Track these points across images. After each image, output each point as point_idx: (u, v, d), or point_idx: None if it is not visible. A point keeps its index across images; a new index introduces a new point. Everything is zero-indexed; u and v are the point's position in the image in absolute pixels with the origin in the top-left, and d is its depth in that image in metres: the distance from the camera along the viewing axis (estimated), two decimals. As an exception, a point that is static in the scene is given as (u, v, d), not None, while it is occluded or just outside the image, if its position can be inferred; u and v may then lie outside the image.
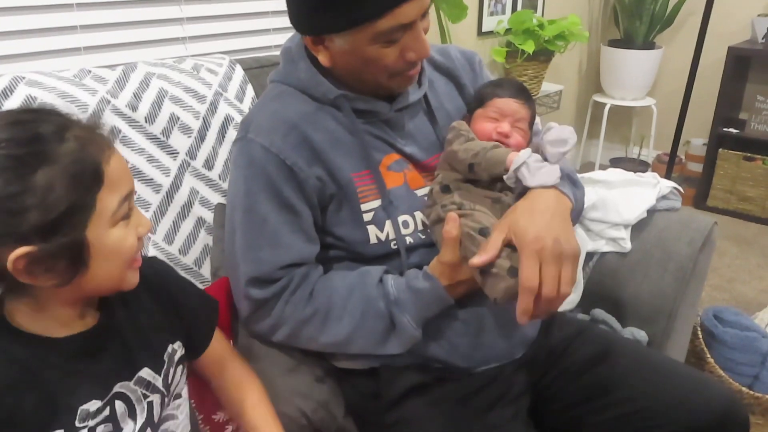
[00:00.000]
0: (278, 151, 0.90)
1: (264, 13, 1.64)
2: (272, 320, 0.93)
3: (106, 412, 0.68)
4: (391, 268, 0.97)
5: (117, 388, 0.69)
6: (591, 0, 3.26)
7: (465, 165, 0.92)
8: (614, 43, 3.16)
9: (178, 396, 0.79)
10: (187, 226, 1.08)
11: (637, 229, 1.25)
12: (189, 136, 1.10)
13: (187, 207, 1.08)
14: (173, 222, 1.06)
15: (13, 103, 0.93)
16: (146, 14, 1.42)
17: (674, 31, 3.12)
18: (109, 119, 1.01)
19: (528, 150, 0.90)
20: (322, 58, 0.91)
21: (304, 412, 0.95)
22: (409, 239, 0.97)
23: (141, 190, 1.02)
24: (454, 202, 0.93)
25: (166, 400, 0.76)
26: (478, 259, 0.83)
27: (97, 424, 0.66)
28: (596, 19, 3.35)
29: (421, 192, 0.99)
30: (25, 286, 0.61)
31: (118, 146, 0.67)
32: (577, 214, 1.01)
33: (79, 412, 0.65)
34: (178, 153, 1.08)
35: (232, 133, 1.14)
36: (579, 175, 1.30)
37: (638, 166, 3.27)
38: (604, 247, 1.25)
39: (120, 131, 1.02)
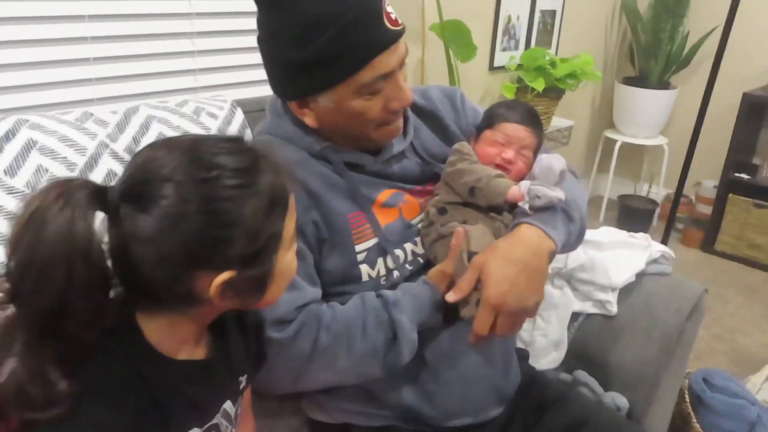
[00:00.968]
0: None
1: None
2: (290, 357, 0.90)
3: None
4: None
5: (215, 420, 0.71)
6: (607, 37, 3.26)
7: (467, 188, 0.95)
8: (629, 81, 3.16)
9: None
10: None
11: (625, 292, 1.25)
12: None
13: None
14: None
15: (14, 146, 0.96)
16: (158, 47, 1.47)
17: (690, 72, 3.11)
18: (106, 163, 1.03)
19: (527, 182, 0.92)
20: (309, 121, 0.93)
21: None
22: (396, 273, 0.98)
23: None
24: (455, 220, 0.95)
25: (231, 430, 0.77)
26: (451, 297, 0.89)
27: None
28: (612, 55, 3.35)
29: (417, 219, 1.01)
30: (182, 307, 0.62)
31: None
32: (572, 246, 1.04)
33: None
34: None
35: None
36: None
37: (647, 203, 3.26)
38: (590, 308, 1.26)
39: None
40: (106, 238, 0.59)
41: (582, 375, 1.22)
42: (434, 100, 1.10)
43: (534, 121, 1.04)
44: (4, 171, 0.94)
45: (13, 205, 0.93)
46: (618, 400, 1.16)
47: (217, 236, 0.58)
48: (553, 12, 2.78)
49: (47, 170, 0.97)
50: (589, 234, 1.31)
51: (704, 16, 2.95)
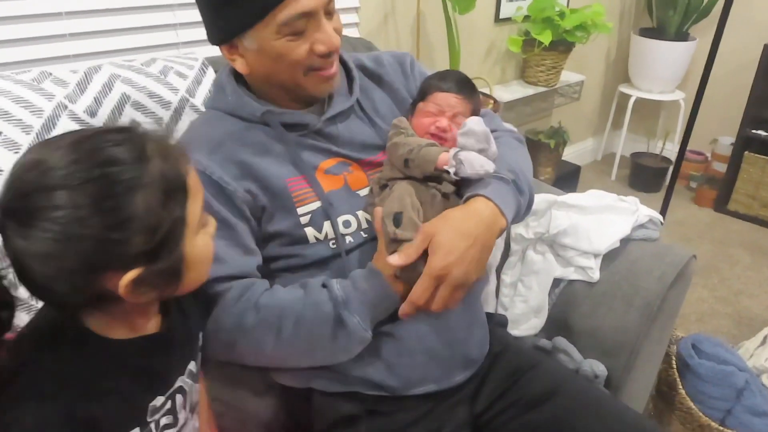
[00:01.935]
0: (204, 168, 0.89)
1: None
2: (210, 327, 0.89)
3: (168, 405, 0.71)
4: (332, 269, 0.96)
5: (178, 383, 0.73)
6: (624, -15, 3.11)
7: (401, 160, 0.94)
8: (645, 33, 3.02)
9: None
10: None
11: (609, 258, 1.21)
12: (149, 143, 1.09)
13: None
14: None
15: (-33, 107, 0.94)
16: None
17: (710, 23, 2.94)
18: (64, 125, 1.00)
19: (456, 149, 0.90)
20: (239, 66, 0.93)
21: (237, 427, 0.97)
22: (349, 238, 0.97)
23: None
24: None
25: (196, 386, 0.79)
26: (395, 260, 0.86)
27: (161, 417, 0.70)
28: (629, 6, 3.20)
29: (364, 192, 1.00)
30: (115, 306, 0.61)
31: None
32: (521, 218, 1.03)
33: (149, 408, 0.67)
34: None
35: (195, 140, 1.13)
36: (556, 197, 1.26)
37: (660, 162, 3.16)
38: (572, 274, 1.22)
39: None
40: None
41: (561, 342, 1.19)
42: (385, 64, 1.11)
43: (465, 87, 1.03)
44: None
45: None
46: (596, 367, 1.14)
47: (114, 238, 0.55)
48: (565, -42, 2.64)
49: (1, 133, 0.95)
50: (574, 198, 1.26)
51: (727, -37, 2.79)
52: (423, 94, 1.04)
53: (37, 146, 0.59)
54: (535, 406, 1.00)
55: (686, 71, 3.04)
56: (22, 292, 0.60)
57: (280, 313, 0.89)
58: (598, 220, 1.21)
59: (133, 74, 1.12)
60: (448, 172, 0.90)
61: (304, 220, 0.95)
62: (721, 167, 3.02)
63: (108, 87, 1.08)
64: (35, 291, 0.59)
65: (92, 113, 1.04)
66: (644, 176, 3.15)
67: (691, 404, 1.39)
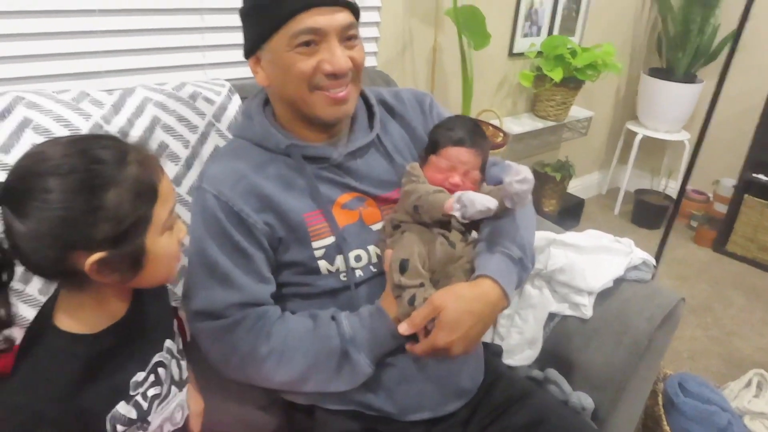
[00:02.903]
0: (227, 199, 0.97)
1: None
2: (223, 350, 0.98)
3: (152, 378, 0.81)
4: (340, 300, 1.03)
5: (156, 358, 0.83)
6: (636, 27, 3.19)
7: (411, 207, 1.00)
8: (655, 73, 3.09)
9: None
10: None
11: (603, 296, 1.27)
12: (176, 164, 1.16)
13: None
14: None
15: (10, 124, 1.01)
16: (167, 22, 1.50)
17: (718, 66, 3.01)
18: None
19: (458, 192, 0.95)
20: (261, 78, 1.02)
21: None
22: (359, 272, 1.03)
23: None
24: (400, 232, 1.01)
25: (182, 364, 0.90)
26: (404, 329, 0.94)
27: (147, 388, 0.80)
28: (639, 46, 3.28)
29: (377, 226, 1.06)
30: (89, 285, 0.71)
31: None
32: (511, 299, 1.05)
33: (130, 384, 0.78)
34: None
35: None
36: (555, 236, 1.33)
37: (662, 199, 3.22)
38: (566, 310, 1.28)
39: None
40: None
41: (552, 373, 1.24)
42: (405, 101, 1.17)
43: (476, 139, 1.07)
44: None
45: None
46: (584, 399, 1.19)
47: (87, 221, 0.65)
48: (579, -2, 2.73)
49: (42, 149, 1.02)
50: (572, 237, 1.32)
51: (737, 10, 2.86)
52: (435, 145, 1.08)
53: (41, 143, 0.70)
54: (522, 435, 1.05)
55: (693, 112, 3.10)
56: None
57: (291, 344, 0.97)
58: (594, 260, 1.27)
59: (165, 98, 1.19)
60: (454, 217, 0.96)
61: (318, 253, 1.01)
62: (722, 208, 3.07)
63: (140, 110, 1.15)
64: (23, 260, 0.69)
65: (125, 134, 1.11)
66: (647, 213, 3.21)
67: (675, 441, 1.44)
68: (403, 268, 0.95)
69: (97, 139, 0.71)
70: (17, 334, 0.73)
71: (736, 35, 2.30)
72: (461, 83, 2.15)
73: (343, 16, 0.95)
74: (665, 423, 1.45)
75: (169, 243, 0.76)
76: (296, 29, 0.93)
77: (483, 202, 0.93)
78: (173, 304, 1.03)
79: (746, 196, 2.85)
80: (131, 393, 0.78)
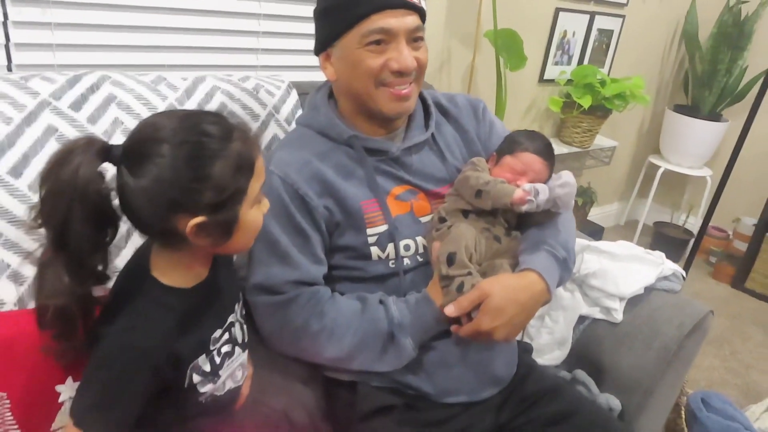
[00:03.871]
0: (292, 182, 1.04)
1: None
2: (277, 324, 1.05)
3: (227, 336, 0.89)
4: (387, 286, 1.09)
5: (230, 319, 0.90)
6: (663, 63, 3.27)
7: (473, 191, 1.06)
8: (680, 109, 3.16)
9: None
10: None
11: (633, 303, 1.32)
12: (238, 148, 1.24)
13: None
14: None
15: (97, 98, 1.10)
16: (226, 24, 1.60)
17: (744, 107, 3.08)
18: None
19: (529, 184, 1.03)
20: (329, 73, 1.09)
21: (285, 408, 1.07)
22: (407, 260, 1.10)
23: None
24: (446, 226, 1.06)
25: (245, 327, 0.97)
26: (450, 311, 1.00)
27: (222, 345, 0.88)
28: (666, 81, 3.36)
29: (426, 219, 1.13)
30: (183, 246, 0.77)
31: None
32: (553, 293, 1.13)
33: (210, 339, 0.85)
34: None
35: (276, 151, 1.28)
36: (589, 242, 1.38)
37: (682, 233, 3.26)
38: (597, 314, 1.33)
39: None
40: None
41: (581, 374, 1.29)
42: (459, 105, 1.24)
43: (550, 154, 1.15)
44: (87, 119, 1.07)
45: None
46: (611, 401, 1.23)
47: (193, 187, 0.72)
48: (611, 32, 2.82)
49: (122, 123, 1.10)
50: (605, 245, 1.38)
51: (765, 52, 2.94)
52: (511, 147, 1.15)
53: (157, 114, 0.77)
54: (554, 424, 1.09)
55: (716, 150, 3.16)
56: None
57: (341, 323, 1.03)
58: (626, 267, 1.33)
59: (231, 87, 1.28)
60: (515, 207, 1.02)
61: (371, 239, 1.08)
62: (741, 246, 3.11)
63: (210, 96, 1.24)
64: (130, 217, 0.75)
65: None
66: (665, 246, 3.24)
67: (696, 454, 1.46)
68: (451, 260, 1.00)
69: (206, 115, 0.78)
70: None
71: (766, 77, 2.37)
72: (494, 104, 2.23)
73: (411, 19, 1.02)
74: (687, 436, 1.48)
75: (257, 215, 0.81)
76: (369, 28, 1.00)
77: (557, 193, 1.00)
78: None
79: (767, 235, 2.88)
80: (210, 348, 0.85)
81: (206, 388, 0.85)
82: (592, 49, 2.79)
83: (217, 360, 0.86)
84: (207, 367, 0.84)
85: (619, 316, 1.30)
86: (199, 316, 0.83)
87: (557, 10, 2.52)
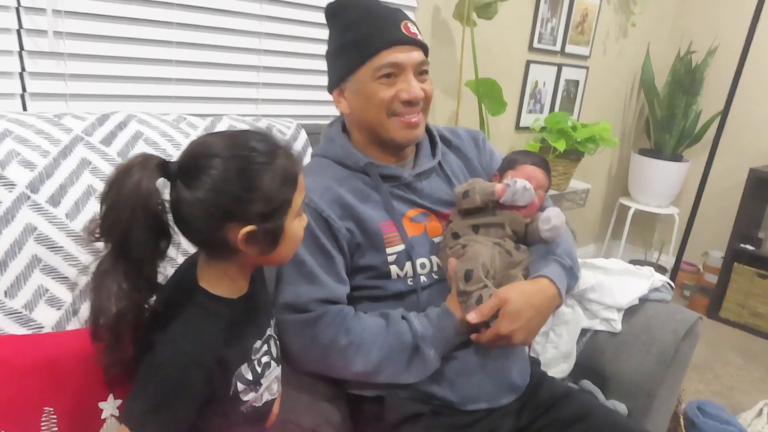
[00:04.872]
0: (316, 206, 1.11)
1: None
2: (306, 341, 1.09)
3: (265, 347, 0.93)
4: (406, 303, 1.15)
5: (268, 332, 0.95)
6: (626, 110, 3.50)
7: (460, 194, 1.16)
8: (644, 152, 3.36)
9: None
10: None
11: (629, 313, 1.40)
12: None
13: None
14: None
15: (125, 134, 1.17)
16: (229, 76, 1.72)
17: (702, 147, 3.31)
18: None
19: (514, 180, 1.14)
20: (343, 107, 1.18)
21: (314, 426, 1.11)
22: (423, 278, 1.17)
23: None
24: (460, 244, 1.14)
25: (278, 343, 1.01)
26: (472, 318, 1.06)
27: (262, 356, 0.92)
28: (629, 127, 3.58)
29: (439, 239, 1.21)
30: (231, 256, 0.83)
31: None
32: (564, 298, 1.22)
33: (252, 349, 0.89)
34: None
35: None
36: (585, 260, 1.48)
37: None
38: (598, 325, 1.41)
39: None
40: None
41: (587, 384, 1.35)
42: (461, 136, 1.35)
43: (547, 166, 1.27)
44: (117, 153, 1.14)
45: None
46: (618, 405, 1.30)
47: (244, 197, 0.78)
48: (577, 82, 3.03)
49: (152, 156, 1.17)
50: (599, 261, 1.48)
51: (716, 97, 3.19)
52: (511, 164, 1.25)
53: (206, 134, 0.84)
54: (570, 425, 1.16)
55: (680, 189, 3.36)
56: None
57: (368, 338, 1.09)
58: (621, 280, 1.42)
59: (245, 127, 1.36)
60: (496, 202, 1.13)
61: (390, 258, 1.15)
62: (711, 278, 3.25)
63: (227, 133, 1.32)
64: (183, 229, 0.81)
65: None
66: (642, 281, 3.37)
67: (698, 460, 1.52)
68: (468, 276, 1.08)
69: (253, 134, 0.84)
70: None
71: (721, 120, 2.58)
72: (477, 147, 2.36)
73: (417, 54, 1.14)
74: (688, 443, 1.54)
75: (299, 227, 0.88)
76: (380, 63, 1.10)
77: (526, 185, 1.10)
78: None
79: (736, 264, 3.04)
80: (252, 357, 0.89)
81: (248, 397, 0.89)
82: (562, 98, 2.99)
83: (258, 369, 0.91)
84: (249, 376, 0.89)
85: (618, 326, 1.38)
86: (243, 326, 0.88)
87: (528, 62, 2.72)
